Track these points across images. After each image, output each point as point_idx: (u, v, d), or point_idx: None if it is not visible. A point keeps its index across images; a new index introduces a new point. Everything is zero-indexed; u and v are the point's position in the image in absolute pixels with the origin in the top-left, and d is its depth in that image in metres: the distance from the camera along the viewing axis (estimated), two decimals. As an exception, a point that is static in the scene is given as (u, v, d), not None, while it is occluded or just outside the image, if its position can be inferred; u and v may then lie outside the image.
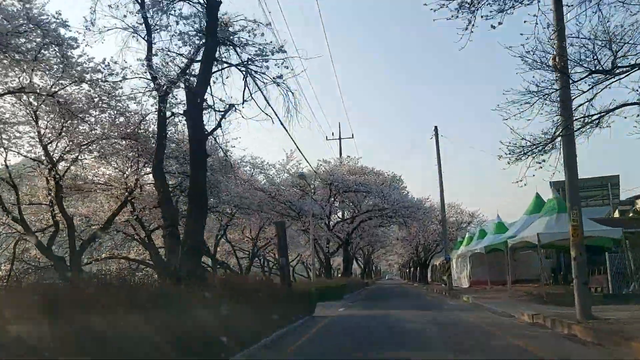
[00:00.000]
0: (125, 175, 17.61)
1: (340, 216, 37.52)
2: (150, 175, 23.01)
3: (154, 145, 13.93)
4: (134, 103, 13.77)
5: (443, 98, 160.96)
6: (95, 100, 13.17)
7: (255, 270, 55.81)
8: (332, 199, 28.18)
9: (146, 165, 20.67)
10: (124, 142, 15.80)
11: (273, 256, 48.96)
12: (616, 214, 34.02)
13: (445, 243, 28.57)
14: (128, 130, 14.88)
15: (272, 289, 10.96)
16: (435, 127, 29.95)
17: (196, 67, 11.62)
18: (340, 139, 42.12)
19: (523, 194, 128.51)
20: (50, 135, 14.29)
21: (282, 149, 30.70)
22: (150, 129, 15.67)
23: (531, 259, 30.45)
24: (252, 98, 12.03)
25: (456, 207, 47.84)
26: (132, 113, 14.92)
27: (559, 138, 9.41)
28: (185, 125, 13.13)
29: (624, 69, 8.00)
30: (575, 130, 9.01)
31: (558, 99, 9.14)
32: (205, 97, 11.37)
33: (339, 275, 39.88)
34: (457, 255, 36.29)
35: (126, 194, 17.15)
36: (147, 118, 15.23)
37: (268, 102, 12.58)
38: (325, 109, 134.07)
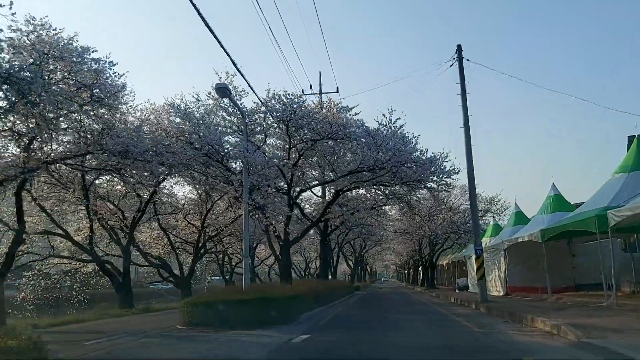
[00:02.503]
0: None
1: (316, 195, 26.80)
2: None
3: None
4: None
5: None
6: None
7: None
8: (296, 154, 17.37)
9: None
10: None
11: (239, 254, 37.41)
12: None
13: (476, 226, 17.81)
14: None
15: None
16: (459, 46, 19.41)
17: None
18: (320, 93, 31.44)
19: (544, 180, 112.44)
20: None
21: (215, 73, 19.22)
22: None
23: (593, 254, 19.68)
24: None
25: (471, 191, 37.65)
26: None
27: None
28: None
29: None
30: None
31: None
32: None
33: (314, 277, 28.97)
34: (480, 250, 25.71)
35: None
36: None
37: None
38: (302, 54, 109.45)
